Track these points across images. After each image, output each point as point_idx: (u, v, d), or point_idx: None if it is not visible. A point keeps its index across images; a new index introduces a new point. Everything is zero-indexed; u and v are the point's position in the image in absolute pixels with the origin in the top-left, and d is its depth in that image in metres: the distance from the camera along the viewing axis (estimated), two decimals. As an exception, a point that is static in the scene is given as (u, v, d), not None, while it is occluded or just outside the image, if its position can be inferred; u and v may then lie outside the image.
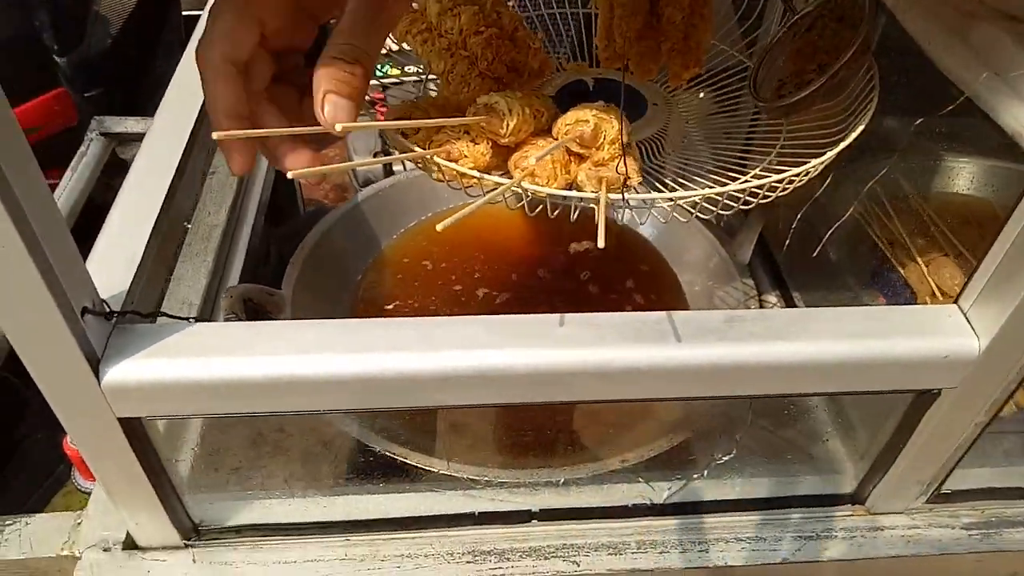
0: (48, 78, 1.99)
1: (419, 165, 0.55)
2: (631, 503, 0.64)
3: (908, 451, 0.60)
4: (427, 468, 0.63)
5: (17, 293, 0.43)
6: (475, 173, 0.51)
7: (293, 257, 0.83)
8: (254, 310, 0.75)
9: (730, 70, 0.74)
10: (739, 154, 0.62)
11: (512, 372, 0.49)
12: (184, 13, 1.68)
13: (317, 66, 0.43)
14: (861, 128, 0.55)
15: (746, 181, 0.52)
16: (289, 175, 0.42)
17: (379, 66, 0.98)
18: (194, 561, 0.61)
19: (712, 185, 0.54)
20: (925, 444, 0.59)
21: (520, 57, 0.66)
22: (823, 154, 0.55)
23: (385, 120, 0.56)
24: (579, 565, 0.62)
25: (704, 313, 0.53)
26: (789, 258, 0.86)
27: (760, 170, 0.56)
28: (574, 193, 0.50)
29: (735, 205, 0.54)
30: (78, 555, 0.61)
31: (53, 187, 1.02)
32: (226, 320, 0.72)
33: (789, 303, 0.84)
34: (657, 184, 0.58)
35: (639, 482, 0.65)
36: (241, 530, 0.62)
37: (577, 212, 0.53)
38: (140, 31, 2.31)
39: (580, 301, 0.84)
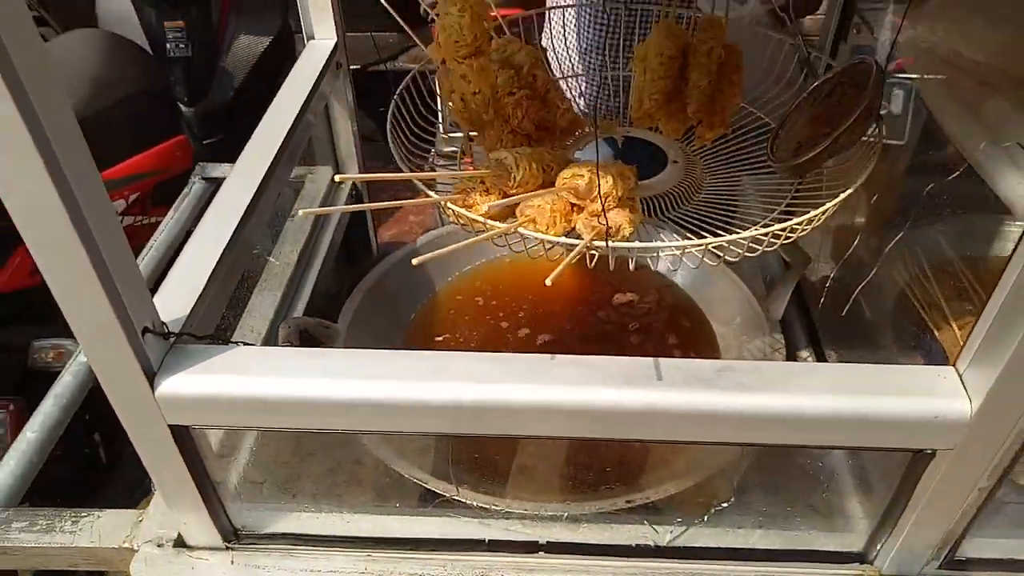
0: (173, 125, 2.22)
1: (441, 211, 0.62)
2: (635, 543, 0.67)
3: (911, 511, 0.60)
4: (444, 494, 0.68)
5: (90, 313, 0.51)
6: (480, 218, 0.57)
7: (352, 294, 0.91)
8: (309, 340, 0.82)
9: (758, 130, 0.77)
10: (750, 208, 0.65)
11: (502, 406, 0.54)
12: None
13: None
14: (848, 191, 0.58)
15: (722, 235, 0.56)
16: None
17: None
18: (232, 563, 0.68)
19: (717, 235, 0.58)
20: (928, 506, 0.59)
21: (549, 116, 0.72)
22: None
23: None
24: (582, 598, 0.65)
25: (698, 362, 0.56)
26: (824, 316, 0.87)
27: (761, 225, 0.59)
28: (562, 239, 0.55)
29: (739, 251, 0.57)
30: (136, 548, 0.69)
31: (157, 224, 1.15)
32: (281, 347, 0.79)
33: (821, 360, 0.85)
34: (674, 233, 0.62)
35: (643, 524, 0.67)
36: (275, 537, 0.69)
37: (595, 260, 0.58)
38: (260, 83, 2.53)
39: (616, 345, 0.88)
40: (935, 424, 0.54)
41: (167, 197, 1.27)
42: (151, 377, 0.56)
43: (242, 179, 0.77)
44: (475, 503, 0.67)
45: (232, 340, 0.62)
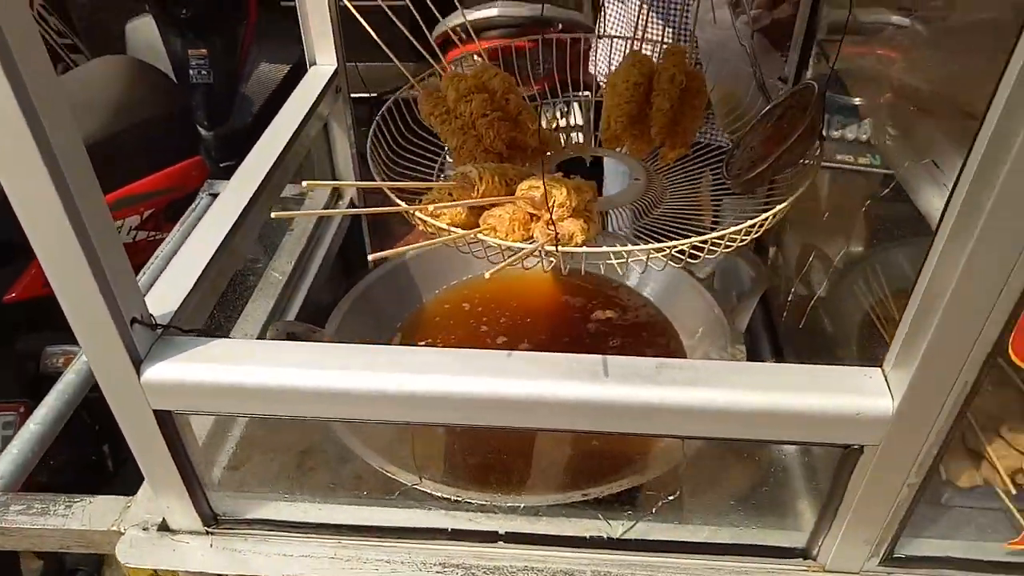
0: (192, 147, 2.30)
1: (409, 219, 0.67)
2: (589, 535, 0.70)
3: (846, 507, 0.64)
4: (408, 484, 0.72)
5: (83, 303, 0.57)
6: (446, 226, 0.62)
7: (341, 301, 0.96)
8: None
9: (721, 149, 0.82)
10: (701, 219, 0.70)
11: (457, 396, 0.59)
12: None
13: None
14: (783, 206, 0.62)
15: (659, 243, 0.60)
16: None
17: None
18: (211, 546, 0.72)
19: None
20: (862, 502, 0.63)
21: (521, 136, 0.77)
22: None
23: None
24: (538, 587, 0.68)
25: (641, 359, 0.61)
26: (787, 329, 0.91)
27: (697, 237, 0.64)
28: (517, 244, 0.60)
29: (682, 258, 0.62)
30: (123, 531, 0.74)
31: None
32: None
33: (783, 371, 0.88)
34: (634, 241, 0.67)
35: (598, 517, 0.71)
36: (252, 523, 0.73)
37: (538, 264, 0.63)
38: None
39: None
40: (859, 420, 0.57)
41: (180, 214, 1.34)
42: (138, 364, 0.61)
43: (236, 191, 0.83)
44: (438, 494, 0.71)
45: (216, 334, 0.67)
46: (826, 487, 0.69)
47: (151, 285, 0.69)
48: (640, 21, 0.92)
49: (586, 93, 0.97)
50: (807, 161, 0.67)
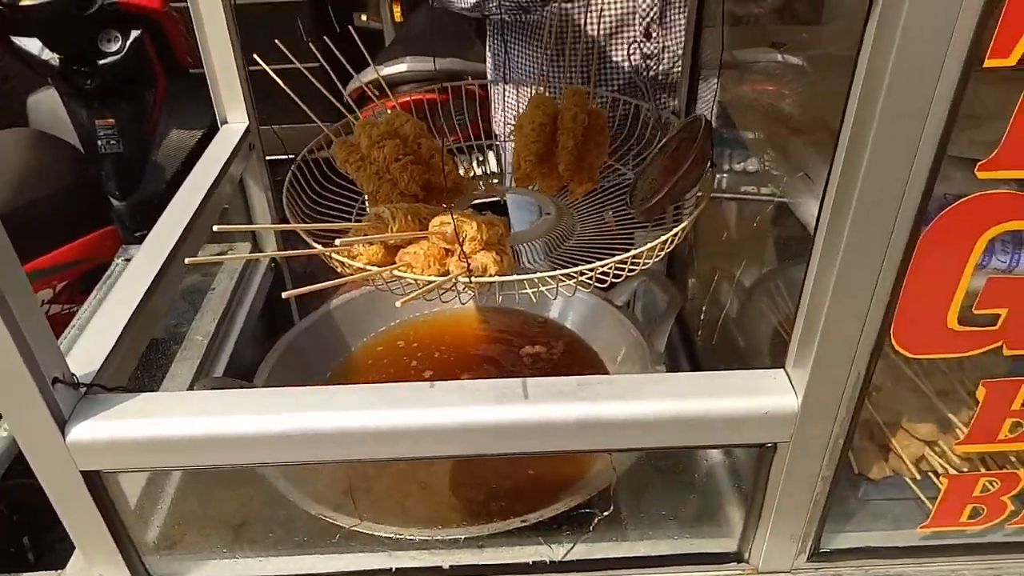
0: (103, 217, 2.25)
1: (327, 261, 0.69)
2: (532, 560, 0.72)
3: (769, 506, 0.67)
4: (346, 526, 0.72)
5: (5, 368, 0.56)
6: (364, 265, 0.64)
7: (267, 355, 0.96)
8: (225, 399, 0.87)
9: (624, 184, 0.87)
10: (612, 248, 0.74)
11: (386, 429, 0.60)
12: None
13: None
14: (678, 230, 0.67)
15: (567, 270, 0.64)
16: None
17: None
18: (149, 612, 0.71)
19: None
20: (782, 498, 0.67)
21: (435, 179, 0.80)
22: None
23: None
24: (485, 617, 0.69)
25: (561, 379, 0.63)
26: (704, 346, 0.95)
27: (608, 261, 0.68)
28: (432, 277, 0.62)
29: (590, 283, 0.65)
30: (52, 607, 0.71)
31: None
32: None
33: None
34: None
35: (539, 542, 0.72)
36: (190, 583, 0.72)
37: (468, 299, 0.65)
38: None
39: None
40: (768, 419, 0.61)
41: (94, 285, 1.31)
42: (62, 425, 0.60)
43: (152, 250, 0.83)
44: (379, 533, 0.71)
45: (138, 391, 0.67)
46: (740, 490, 0.73)
47: (70, 349, 0.69)
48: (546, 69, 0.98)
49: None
50: (699, 188, 0.72)
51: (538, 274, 0.63)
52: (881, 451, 0.77)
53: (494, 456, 0.62)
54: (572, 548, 0.72)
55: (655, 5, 1.20)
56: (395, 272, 0.62)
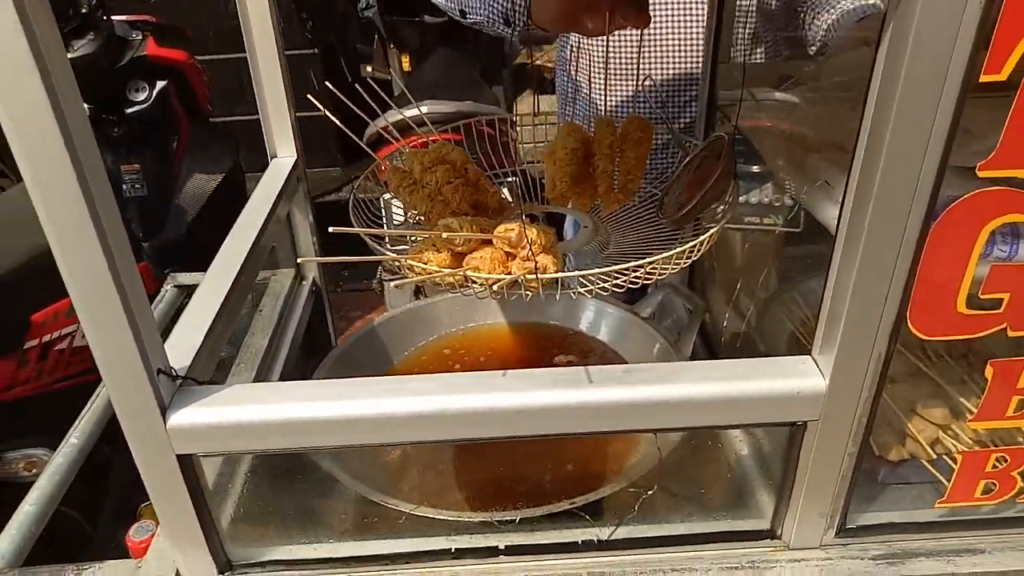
0: (135, 255, 2.33)
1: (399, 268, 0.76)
2: (580, 540, 0.78)
3: (799, 483, 0.74)
4: (411, 513, 0.78)
5: (120, 359, 0.63)
6: (436, 268, 0.71)
7: (319, 366, 1.03)
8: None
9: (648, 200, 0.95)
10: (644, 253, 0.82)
11: (462, 412, 0.67)
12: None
13: None
14: (706, 236, 0.74)
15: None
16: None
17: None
18: (226, 593, 0.76)
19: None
20: (812, 475, 0.73)
21: (482, 199, 0.88)
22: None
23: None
24: (539, 593, 0.75)
25: (611, 366, 0.71)
26: (724, 353, 1.03)
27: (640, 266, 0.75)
28: (501, 276, 0.70)
29: (625, 285, 0.73)
30: (137, 592, 0.77)
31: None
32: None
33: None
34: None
35: (587, 523, 0.79)
36: (265, 565, 0.77)
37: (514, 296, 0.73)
38: (213, 217, 2.69)
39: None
40: (799, 398, 0.68)
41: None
42: (163, 411, 0.67)
43: (224, 265, 0.91)
44: (439, 516, 0.78)
45: (224, 384, 0.73)
46: (778, 472, 0.79)
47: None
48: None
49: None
50: (727, 198, 0.81)
51: (594, 271, 0.70)
52: (898, 436, 0.84)
53: (557, 436, 0.69)
54: (617, 528, 0.78)
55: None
56: (467, 273, 0.70)
